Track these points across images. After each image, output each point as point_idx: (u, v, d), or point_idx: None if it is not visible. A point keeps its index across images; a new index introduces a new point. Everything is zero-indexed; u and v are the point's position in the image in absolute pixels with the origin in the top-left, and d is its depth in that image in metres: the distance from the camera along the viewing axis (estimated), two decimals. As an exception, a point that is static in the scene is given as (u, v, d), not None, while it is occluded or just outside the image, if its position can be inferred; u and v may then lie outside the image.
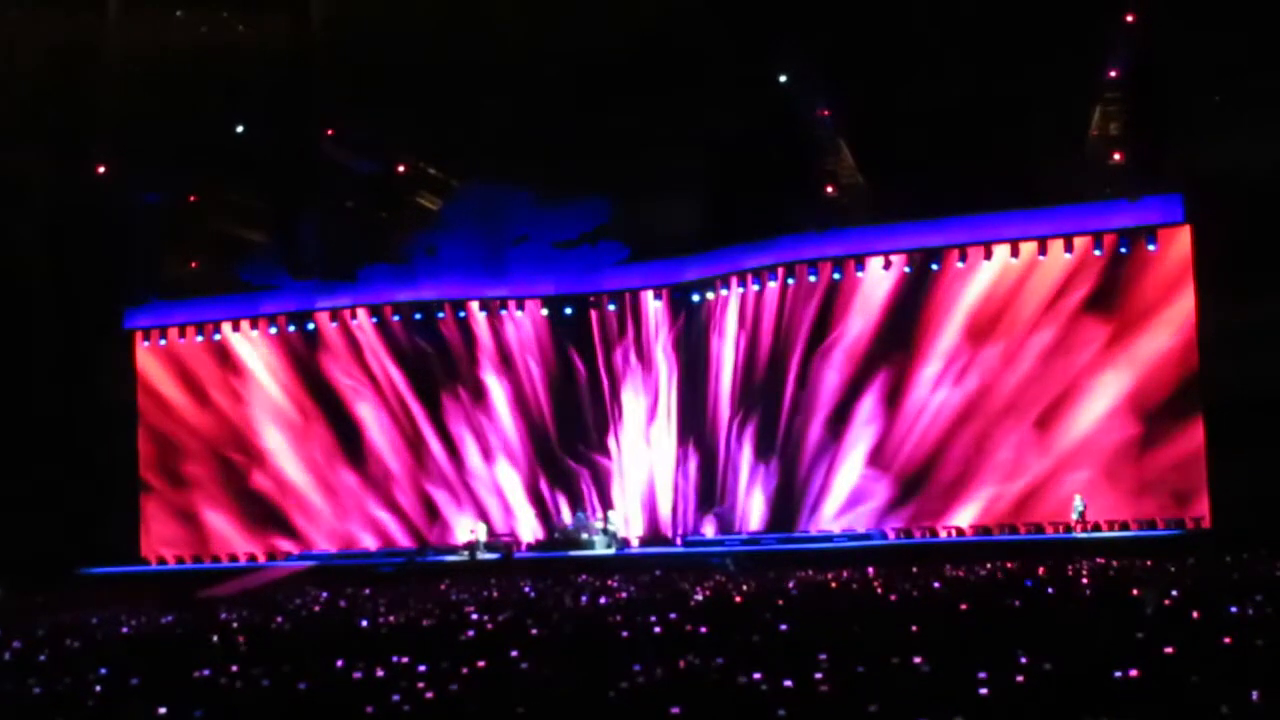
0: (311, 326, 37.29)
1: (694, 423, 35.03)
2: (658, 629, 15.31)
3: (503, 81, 32.66)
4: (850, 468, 32.93)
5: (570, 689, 11.20)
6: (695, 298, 35.13)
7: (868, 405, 32.79)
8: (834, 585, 21.87)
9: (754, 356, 34.26)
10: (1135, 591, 17.11)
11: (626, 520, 35.09)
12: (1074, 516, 30.11)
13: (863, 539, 31.43)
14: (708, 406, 34.91)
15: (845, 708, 9.74)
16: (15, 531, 33.50)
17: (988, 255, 31.79)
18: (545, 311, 35.99)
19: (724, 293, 34.63)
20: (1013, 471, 31.52)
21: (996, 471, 31.67)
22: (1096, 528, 30.11)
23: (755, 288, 34.11)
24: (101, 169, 35.14)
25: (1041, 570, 22.69)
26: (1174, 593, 16.52)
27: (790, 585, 22.08)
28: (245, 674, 12.87)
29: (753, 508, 33.94)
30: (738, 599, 19.77)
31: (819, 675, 10.96)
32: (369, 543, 36.40)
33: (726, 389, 34.67)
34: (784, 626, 14.92)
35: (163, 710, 10.79)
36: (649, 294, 35.55)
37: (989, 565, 24.73)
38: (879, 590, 20.24)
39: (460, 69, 32.85)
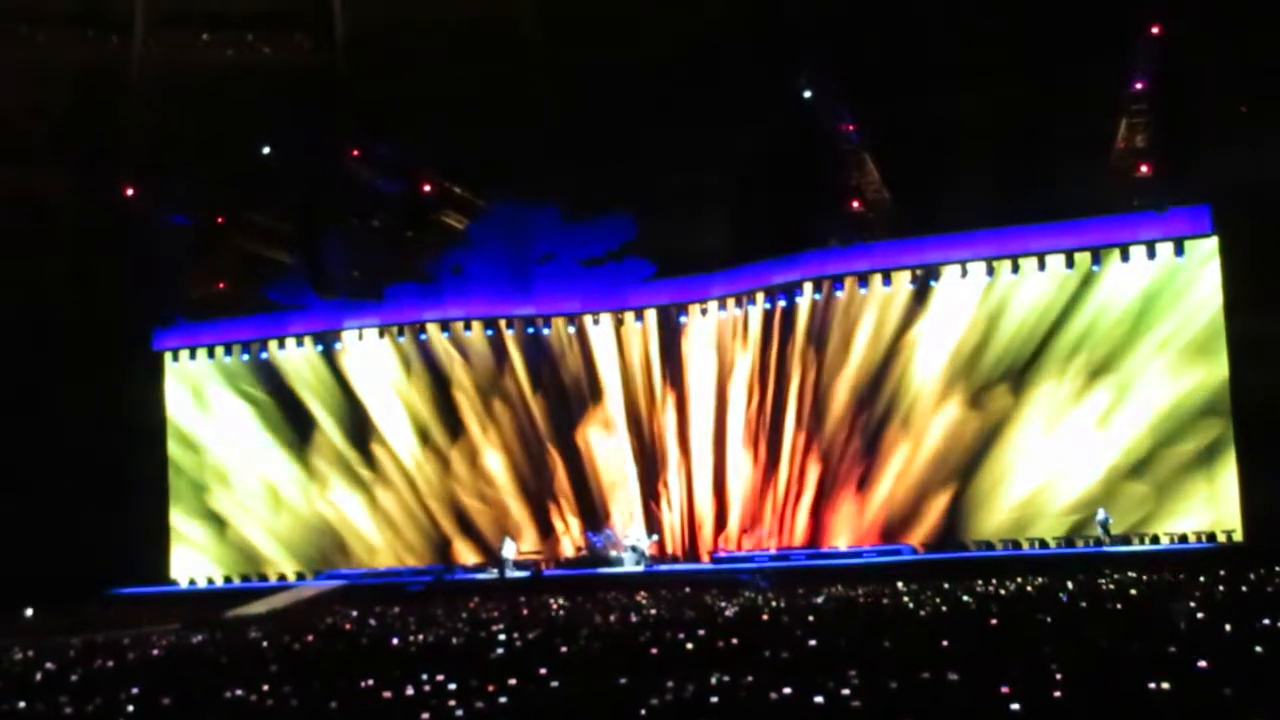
0: (337, 345, 37.35)
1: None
2: (688, 645, 15.28)
3: (528, 100, 32.75)
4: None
5: (600, 706, 11.18)
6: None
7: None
8: (863, 600, 21.79)
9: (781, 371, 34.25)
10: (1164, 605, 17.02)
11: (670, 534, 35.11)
12: (1098, 531, 29.97)
13: (892, 554, 31.32)
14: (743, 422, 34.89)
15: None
16: (46, 552, 33.62)
17: (1015, 268, 31.70)
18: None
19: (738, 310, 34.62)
20: (1055, 480, 31.39)
21: (1033, 485, 31.55)
22: (1126, 541, 29.95)
23: (782, 303, 34.06)
24: (130, 191, 35.31)
25: (1071, 584, 22.58)
26: (1193, 606, 16.43)
27: (820, 600, 22.02)
28: (275, 693, 12.88)
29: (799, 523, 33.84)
30: (766, 615, 19.71)
31: (848, 691, 10.93)
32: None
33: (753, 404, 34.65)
34: (814, 642, 14.87)
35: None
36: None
37: (1019, 579, 24.62)
38: (909, 605, 20.17)
39: (486, 88, 32.96)
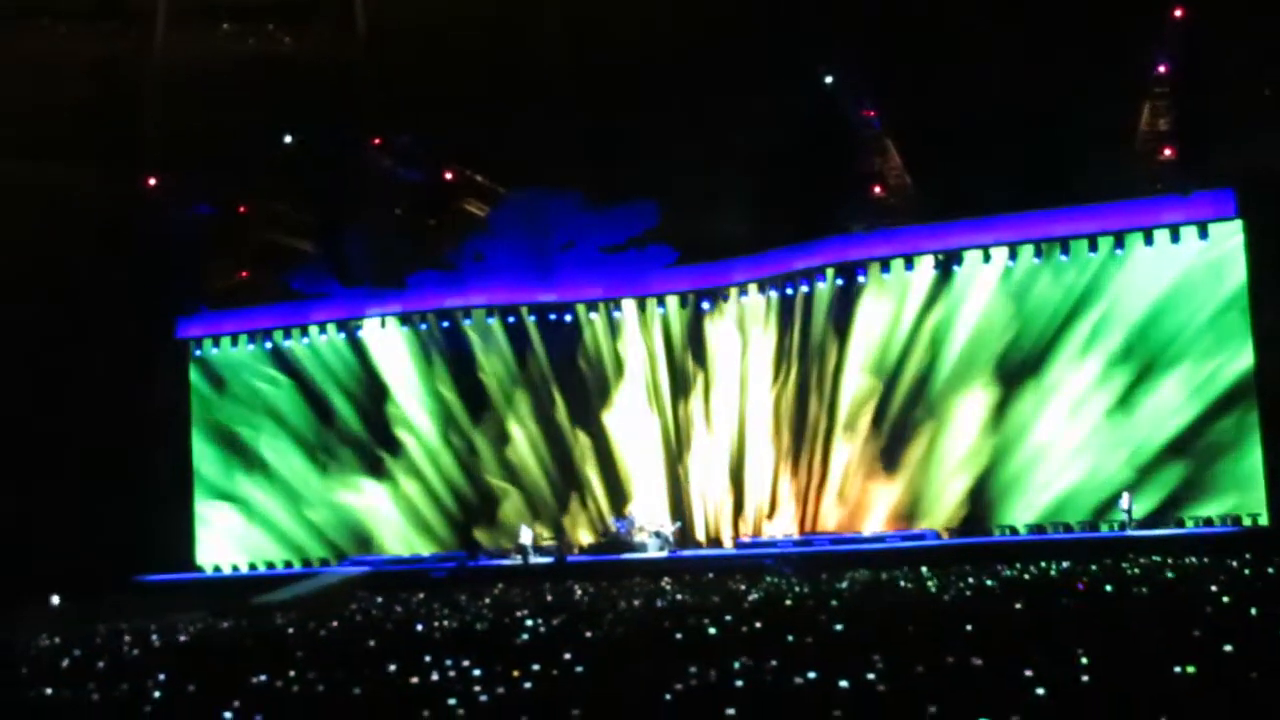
0: (360, 332, 37.44)
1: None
2: (712, 631, 15.30)
3: (549, 87, 32.73)
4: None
5: (624, 692, 11.20)
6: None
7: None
8: (887, 585, 21.79)
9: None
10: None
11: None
12: (1122, 515, 29.90)
13: (915, 539, 31.30)
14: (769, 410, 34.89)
15: (902, 708, 9.70)
16: (72, 541, 33.82)
17: (1038, 253, 31.62)
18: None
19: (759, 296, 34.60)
20: (1078, 464, 31.33)
21: (1060, 469, 31.50)
22: (1151, 525, 29.87)
23: (804, 289, 34.01)
24: (152, 181, 35.41)
25: (1096, 569, 22.56)
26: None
27: (844, 585, 22.03)
28: (301, 679, 12.94)
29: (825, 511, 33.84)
30: (790, 600, 19.72)
31: (873, 676, 10.93)
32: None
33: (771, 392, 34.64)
34: (838, 627, 14.89)
35: (227, 715, 10.87)
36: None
37: (1043, 564, 24.61)
38: (933, 590, 20.17)
39: (506, 75, 32.95)
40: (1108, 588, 18.47)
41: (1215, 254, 30.33)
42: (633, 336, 36.10)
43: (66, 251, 35.55)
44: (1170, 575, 20.39)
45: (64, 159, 33.73)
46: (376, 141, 34.96)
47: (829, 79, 31.29)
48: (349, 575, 33.38)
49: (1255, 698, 9.39)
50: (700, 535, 35.25)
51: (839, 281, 33.58)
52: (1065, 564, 24.32)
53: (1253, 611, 13.99)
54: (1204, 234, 30.25)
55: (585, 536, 35.88)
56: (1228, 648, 11.16)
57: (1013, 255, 31.95)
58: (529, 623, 18.13)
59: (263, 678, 13.10)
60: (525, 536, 33.73)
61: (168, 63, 34.14)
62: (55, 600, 30.65)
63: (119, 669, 15.26)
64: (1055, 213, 31.33)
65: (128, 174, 35.32)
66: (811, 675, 11.06)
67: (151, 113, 34.62)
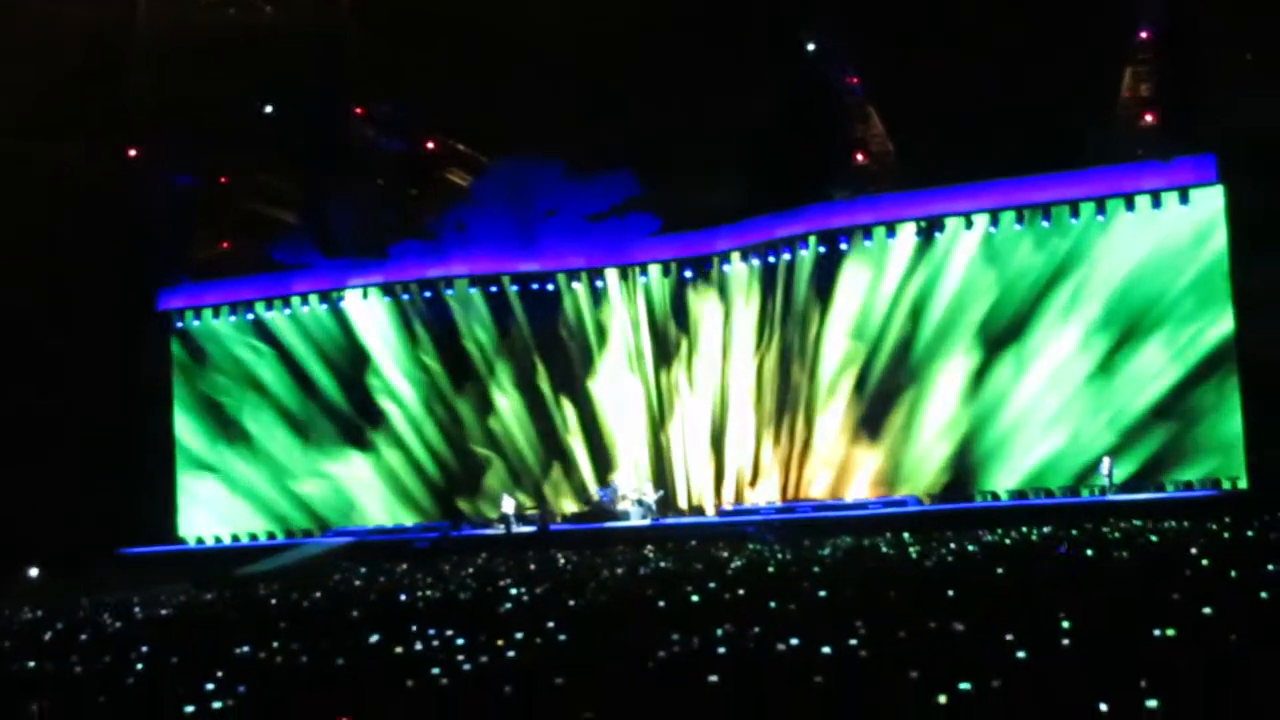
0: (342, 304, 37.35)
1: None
2: (695, 598, 15.34)
3: (532, 54, 32.60)
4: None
5: (607, 660, 11.23)
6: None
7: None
8: (869, 552, 21.86)
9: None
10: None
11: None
12: (1103, 480, 30.01)
13: (897, 505, 31.38)
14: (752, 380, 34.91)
15: (884, 673, 9.74)
16: (55, 514, 33.76)
17: (1020, 219, 31.65)
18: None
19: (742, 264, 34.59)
20: (1059, 430, 31.43)
21: (1040, 434, 31.61)
22: (1131, 490, 30.00)
23: (787, 256, 34.01)
24: (133, 152, 35.24)
25: (1077, 533, 22.64)
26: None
27: (826, 552, 22.09)
28: (285, 650, 12.95)
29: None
30: (772, 568, 19.77)
31: (855, 641, 10.97)
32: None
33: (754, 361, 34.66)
34: (821, 593, 14.93)
35: (210, 687, 10.88)
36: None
37: (1024, 529, 24.70)
38: (914, 556, 20.24)
39: (488, 43, 32.81)
40: (1088, 552, 18.54)
41: (1196, 219, 30.37)
42: (616, 305, 36.06)
43: (46, 223, 35.39)
44: (1151, 539, 20.47)
45: (44, 130, 33.52)
46: (359, 111, 34.82)
47: (811, 46, 31.22)
48: (332, 546, 33.38)
49: (1234, 660, 9.44)
50: (683, 503, 35.30)
51: (821, 249, 33.55)
52: (1046, 529, 24.40)
53: (1231, 574, 14.05)
54: (1185, 199, 30.28)
55: (568, 505, 35.91)
56: (1207, 610, 11.22)
57: (995, 222, 31.97)
58: (512, 592, 18.15)
59: (246, 649, 13.11)
60: (508, 506, 33.76)
61: (149, 32, 33.93)
62: (33, 572, 30.60)
63: (102, 642, 15.26)
64: (1037, 179, 31.35)
65: (109, 145, 35.14)
66: (794, 642, 11.09)
67: (133, 82, 34.41)
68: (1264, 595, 12.13)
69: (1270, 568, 14.28)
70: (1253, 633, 10.13)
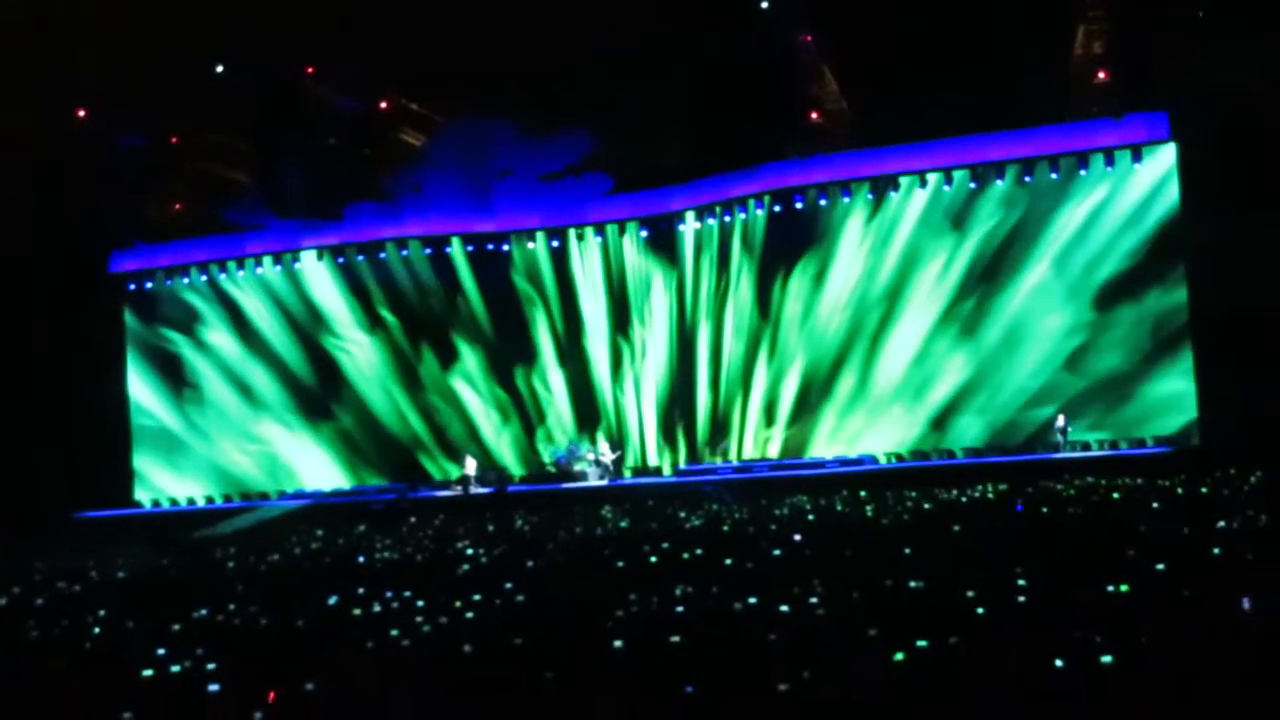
0: (298, 265, 37.14)
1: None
2: (652, 558, 15.38)
3: (484, 12, 32.33)
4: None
5: (565, 620, 11.25)
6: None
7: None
8: (826, 510, 21.94)
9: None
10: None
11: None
12: (1057, 437, 30.23)
13: (854, 464, 31.52)
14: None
15: (841, 632, 9.80)
16: (8, 478, 33.52)
17: (974, 178, 31.74)
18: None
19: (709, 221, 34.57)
20: (1014, 387, 31.63)
21: (996, 392, 31.80)
22: (1085, 446, 30.23)
23: (742, 216, 34.01)
24: (82, 113, 34.86)
25: (1032, 490, 22.80)
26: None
27: (783, 511, 22.17)
28: (242, 613, 12.92)
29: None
30: (729, 526, 19.84)
31: (813, 600, 11.03)
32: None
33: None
34: (777, 552, 15.00)
35: (161, 651, 10.84)
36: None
37: (980, 487, 24.84)
38: (871, 515, 20.34)
39: (441, 2, 32.54)
40: (1044, 509, 18.68)
41: (1149, 177, 30.54)
42: (572, 265, 35.99)
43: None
44: (1106, 496, 20.64)
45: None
46: (310, 70, 34.51)
47: (765, 4, 31.13)
48: (289, 508, 33.30)
49: (1188, 615, 9.55)
50: (640, 463, 35.37)
51: (776, 208, 33.56)
52: (1003, 486, 24.56)
53: (1185, 531, 14.19)
54: (1138, 157, 30.43)
55: (526, 466, 35.92)
56: (1160, 566, 11.33)
57: (949, 180, 32.05)
58: (470, 553, 18.15)
59: (203, 612, 13.07)
60: (470, 467, 33.75)
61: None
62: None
63: (58, 606, 15.17)
64: (991, 137, 31.44)
65: (56, 106, 34.71)
66: (751, 600, 11.14)
67: (80, 42, 33.96)
68: (1216, 551, 12.27)
69: (1222, 524, 14.42)
70: (1205, 589, 10.24)
